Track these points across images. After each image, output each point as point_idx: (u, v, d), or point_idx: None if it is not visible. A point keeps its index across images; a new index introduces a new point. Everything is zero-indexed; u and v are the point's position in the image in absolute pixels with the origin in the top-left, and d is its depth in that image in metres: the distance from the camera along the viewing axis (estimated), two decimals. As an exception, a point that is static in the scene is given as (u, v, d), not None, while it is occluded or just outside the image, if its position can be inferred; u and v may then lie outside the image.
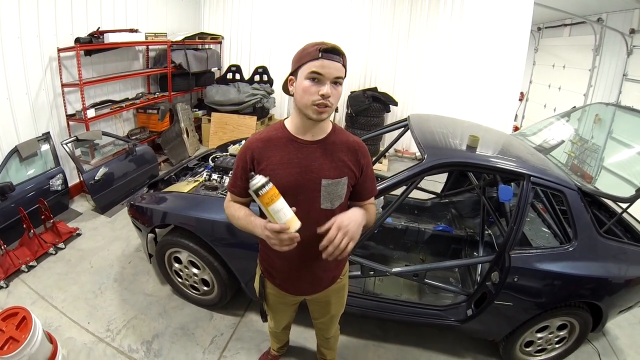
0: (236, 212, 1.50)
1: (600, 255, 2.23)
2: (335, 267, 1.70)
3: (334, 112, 1.39)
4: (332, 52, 1.28)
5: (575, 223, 2.21)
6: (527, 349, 2.53)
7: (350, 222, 1.32)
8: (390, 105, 6.37)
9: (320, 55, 1.26)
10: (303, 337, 2.64)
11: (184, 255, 2.66)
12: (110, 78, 4.69)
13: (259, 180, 1.25)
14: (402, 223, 3.35)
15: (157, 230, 2.82)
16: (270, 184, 1.26)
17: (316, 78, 1.28)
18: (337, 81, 1.31)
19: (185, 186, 2.91)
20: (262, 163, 1.42)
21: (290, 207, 1.28)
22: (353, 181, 1.51)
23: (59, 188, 3.92)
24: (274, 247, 1.30)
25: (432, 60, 6.39)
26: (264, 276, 1.74)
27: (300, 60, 1.31)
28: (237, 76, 6.70)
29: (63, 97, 4.13)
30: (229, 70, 6.72)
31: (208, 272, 2.62)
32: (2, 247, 3.05)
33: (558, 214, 2.35)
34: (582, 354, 2.72)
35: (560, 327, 2.43)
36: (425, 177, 2.29)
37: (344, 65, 1.32)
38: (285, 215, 1.26)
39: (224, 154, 3.58)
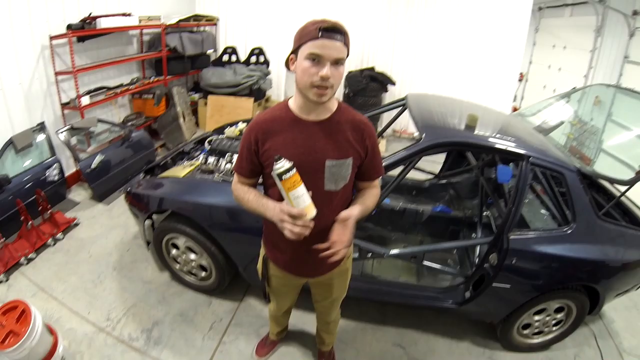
0: (245, 195, 1.51)
1: (599, 238, 2.23)
2: None
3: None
4: (333, 31, 1.23)
5: (574, 205, 2.20)
6: (525, 332, 2.55)
7: (349, 236, 1.41)
8: (388, 85, 6.29)
9: (320, 35, 1.21)
10: (302, 321, 2.66)
11: (181, 241, 2.65)
12: (104, 64, 4.59)
13: (283, 164, 1.24)
14: (400, 204, 3.34)
15: (154, 216, 2.80)
16: (294, 169, 1.25)
17: (315, 59, 1.24)
18: (338, 62, 1.26)
19: (181, 170, 2.88)
20: (266, 143, 1.41)
21: None
22: (358, 162, 1.48)
23: (56, 178, 3.88)
24: (287, 234, 1.30)
25: (430, 39, 6.27)
26: (267, 257, 1.74)
27: (300, 39, 1.27)
28: (233, 58, 6.59)
29: (57, 85, 4.06)
30: (224, 52, 6.60)
31: (206, 257, 2.61)
32: (1, 241, 3.04)
33: (557, 196, 2.33)
34: (579, 337, 2.75)
35: (558, 310, 2.44)
36: (424, 157, 2.27)
37: (346, 44, 1.27)
38: (304, 202, 1.27)
39: (220, 136, 3.53)
